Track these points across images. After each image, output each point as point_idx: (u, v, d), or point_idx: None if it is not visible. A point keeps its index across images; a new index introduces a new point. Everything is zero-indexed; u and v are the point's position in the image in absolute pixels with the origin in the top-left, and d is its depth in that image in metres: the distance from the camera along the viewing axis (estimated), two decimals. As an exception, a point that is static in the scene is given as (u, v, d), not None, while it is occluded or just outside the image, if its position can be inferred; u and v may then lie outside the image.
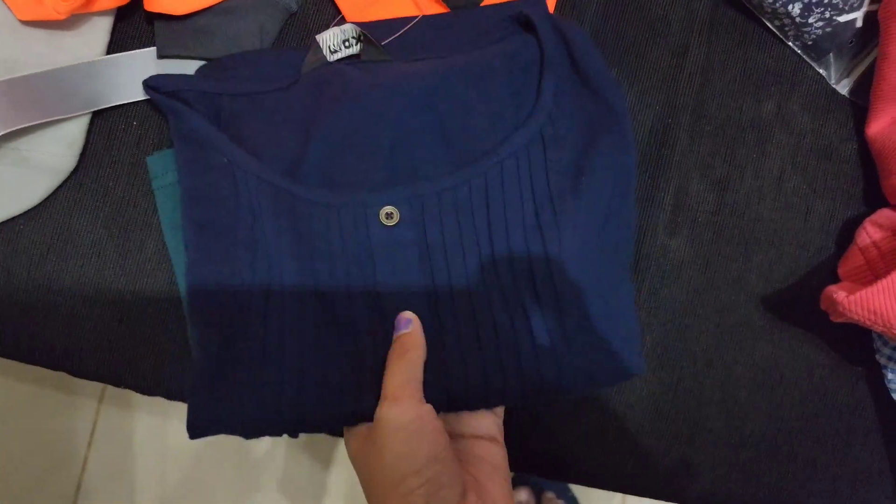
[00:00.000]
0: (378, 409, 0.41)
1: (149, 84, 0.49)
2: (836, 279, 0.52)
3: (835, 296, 0.46)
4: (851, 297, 0.44)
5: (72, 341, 0.52)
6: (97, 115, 0.51)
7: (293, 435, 0.47)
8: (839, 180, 0.53)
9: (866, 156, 0.53)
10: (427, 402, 0.43)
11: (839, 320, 0.48)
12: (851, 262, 0.50)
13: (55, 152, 0.49)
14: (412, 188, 0.48)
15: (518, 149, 0.48)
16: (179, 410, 1.20)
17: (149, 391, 0.53)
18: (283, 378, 0.46)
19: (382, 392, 0.42)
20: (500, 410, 0.48)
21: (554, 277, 0.46)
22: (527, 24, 0.50)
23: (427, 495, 0.39)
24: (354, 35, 0.51)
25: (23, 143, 0.48)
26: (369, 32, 0.50)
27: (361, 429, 0.44)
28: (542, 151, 0.48)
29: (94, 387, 1.20)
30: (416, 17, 0.51)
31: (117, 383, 0.52)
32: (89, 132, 0.51)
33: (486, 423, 0.46)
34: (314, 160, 0.48)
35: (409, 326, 0.45)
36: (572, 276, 0.47)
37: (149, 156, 0.51)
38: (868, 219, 0.50)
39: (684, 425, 0.53)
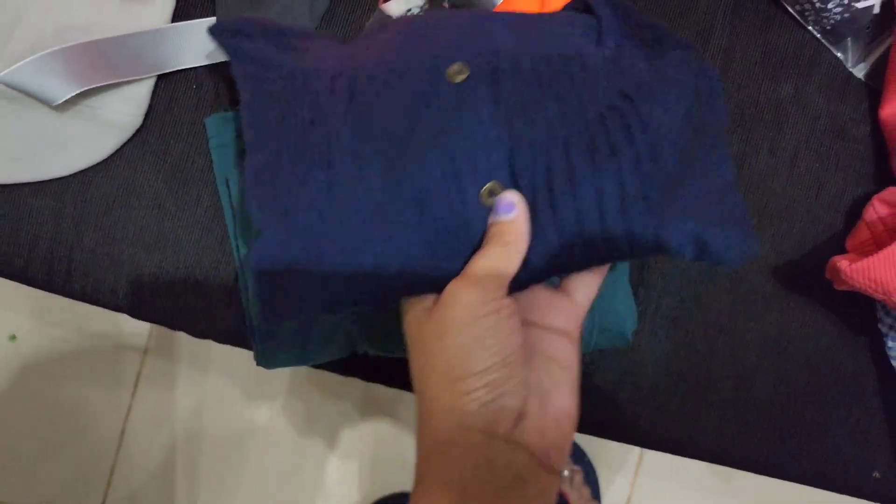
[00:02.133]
0: (451, 284, 0.36)
1: (211, 31, 0.47)
2: (843, 253, 0.55)
3: (838, 264, 0.49)
4: (853, 266, 0.48)
5: (133, 286, 0.56)
6: (161, 79, 0.56)
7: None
8: (851, 160, 0.56)
9: (878, 137, 0.56)
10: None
11: (842, 288, 0.51)
12: (858, 236, 0.53)
13: (124, 111, 0.54)
14: (485, 53, 0.43)
15: (594, 54, 0.44)
16: (218, 364, 1.26)
17: (200, 334, 0.57)
18: (348, 246, 0.40)
19: (464, 269, 0.37)
20: (585, 301, 0.42)
21: (636, 134, 0.40)
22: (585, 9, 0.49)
23: (485, 401, 0.35)
24: (420, 5, 0.52)
25: (96, 101, 0.53)
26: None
27: (426, 301, 0.38)
28: (616, 64, 0.44)
29: (140, 339, 1.27)
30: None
31: (172, 326, 0.57)
32: (154, 94, 0.56)
33: (563, 316, 0.40)
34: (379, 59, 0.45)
35: (511, 213, 0.38)
36: (660, 139, 0.40)
37: (207, 117, 0.55)
38: (876, 195, 0.53)
39: (695, 385, 0.57)
